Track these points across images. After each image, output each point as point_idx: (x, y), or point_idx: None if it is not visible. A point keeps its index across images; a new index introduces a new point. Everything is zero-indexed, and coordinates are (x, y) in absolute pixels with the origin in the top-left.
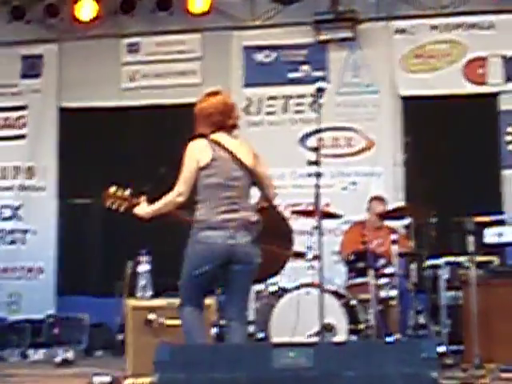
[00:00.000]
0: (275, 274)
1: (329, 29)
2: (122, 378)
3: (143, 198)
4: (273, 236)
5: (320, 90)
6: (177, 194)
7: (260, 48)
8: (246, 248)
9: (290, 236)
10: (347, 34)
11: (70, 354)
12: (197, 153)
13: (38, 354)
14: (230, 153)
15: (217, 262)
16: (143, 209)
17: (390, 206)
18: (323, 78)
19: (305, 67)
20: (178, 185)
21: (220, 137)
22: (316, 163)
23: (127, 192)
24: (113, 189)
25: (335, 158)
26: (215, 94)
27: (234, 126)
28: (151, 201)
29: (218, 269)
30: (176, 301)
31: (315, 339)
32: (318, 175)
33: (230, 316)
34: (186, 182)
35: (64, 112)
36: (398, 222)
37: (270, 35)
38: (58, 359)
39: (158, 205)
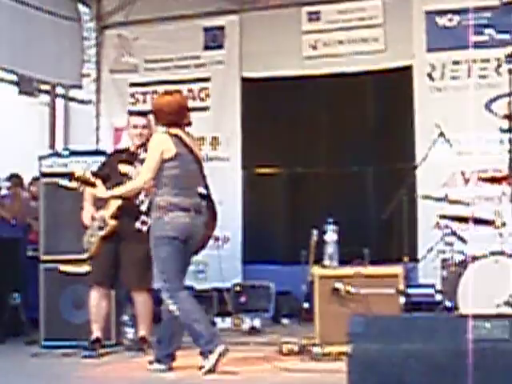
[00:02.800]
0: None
1: None
2: (311, 346)
3: (99, 181)
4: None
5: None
6: (143, 182)
7: (442, 12)
8: (201, 227)
9: (214, 215)
10: None
11: (257, 322)
12: (161, 146)
13: (226, 322)
14: (189, 148)
15: (184, 236)
16: (103, 191)
17: None
18: (510, 42)
19: (489, 30)
20: (143, 173)
21: (178, 132)
22: (509, 130)
23: (88, 174)
24: (78, 173)
25: None
26: (171, 93)
27: (188, 124)
28: None
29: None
30: (362, 269)
31: (504, 309)
32: (511, 142)
33: (182, 284)
34: (151, 171)
35: (246, 82)
36: None
37: None
38: (246, 327)
39: (123, 189)
